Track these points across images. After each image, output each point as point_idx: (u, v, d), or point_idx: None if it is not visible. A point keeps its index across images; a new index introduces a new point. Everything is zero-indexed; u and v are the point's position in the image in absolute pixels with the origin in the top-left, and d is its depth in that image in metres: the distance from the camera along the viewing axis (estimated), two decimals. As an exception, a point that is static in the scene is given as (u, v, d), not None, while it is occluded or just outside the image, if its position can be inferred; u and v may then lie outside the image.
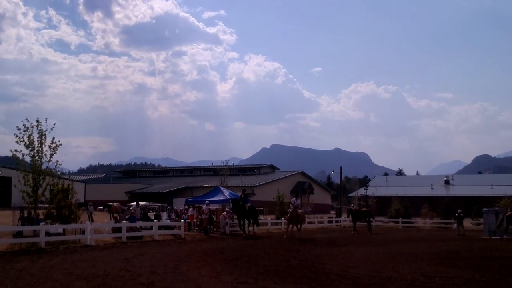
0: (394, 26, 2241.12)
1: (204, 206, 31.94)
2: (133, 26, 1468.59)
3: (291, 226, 29.42)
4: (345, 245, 24.53)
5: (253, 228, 31.86)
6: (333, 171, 71.10)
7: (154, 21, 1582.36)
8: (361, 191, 63.09)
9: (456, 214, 37.11)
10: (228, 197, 34.10)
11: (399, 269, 14.96)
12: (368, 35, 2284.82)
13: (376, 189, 69.71)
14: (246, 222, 31.25)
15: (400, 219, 47.52)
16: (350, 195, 73.53)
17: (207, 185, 66.72)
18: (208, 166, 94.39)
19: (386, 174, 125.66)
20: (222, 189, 36.34)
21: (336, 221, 48.98)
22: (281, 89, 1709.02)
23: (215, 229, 31.79)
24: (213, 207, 33.69)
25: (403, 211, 49.52)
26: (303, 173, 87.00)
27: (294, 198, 30.39)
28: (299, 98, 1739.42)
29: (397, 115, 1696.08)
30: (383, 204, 55.83)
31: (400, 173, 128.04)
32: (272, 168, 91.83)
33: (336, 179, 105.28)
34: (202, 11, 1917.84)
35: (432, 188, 75.62)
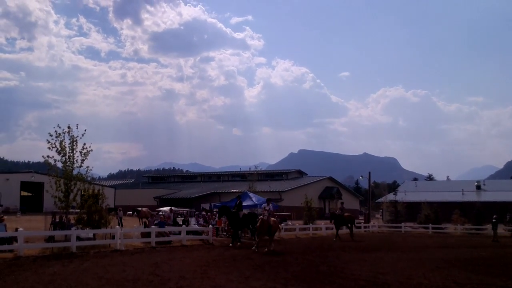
0: (423, 30, 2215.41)
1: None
2: (161, 32, 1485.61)
3: (260, 237, 23.82)
4: (374, 251, 24.30)
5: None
6: (362, 176, 70.55)
7: (182, 27, 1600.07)
8: (390, 197, 62.39)
9: (493, 220, 36.68)
10: (256, 202, 34.19)
11: (430, 276, 14.77)
12: (396, 38, 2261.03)
13: (406, 195, 68.62)
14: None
15: (430, 225, 46.87)
16: (379, 200, 72.76)
17: (235, 190, 66.79)
18: (236, 171, 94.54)
19: (415, 179, 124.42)
20: (250, 194, 36.39)
21: (365, 227, 48.56)
22: (308, 94, 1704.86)
23: (243, 235, 31.81)
24: (240, 212, 33.72)
25: (433, 217, 48.79)
26: (331, 178, 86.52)
27: (265, 203, 24.83)
28: (327, 103, 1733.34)
29: (426, 120, 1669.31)
30: (413, 210, 55.11)
31: (430, 178, 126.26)
32: (300, 173, 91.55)
33: (364, 184, 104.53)
34: (230, 17, 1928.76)
35: (463, 194, 74.31)
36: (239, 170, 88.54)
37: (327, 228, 41.04)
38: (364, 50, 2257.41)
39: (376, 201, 76.87)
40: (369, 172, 61.71)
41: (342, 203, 37.26)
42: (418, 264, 18.50)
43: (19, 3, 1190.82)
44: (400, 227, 48.55)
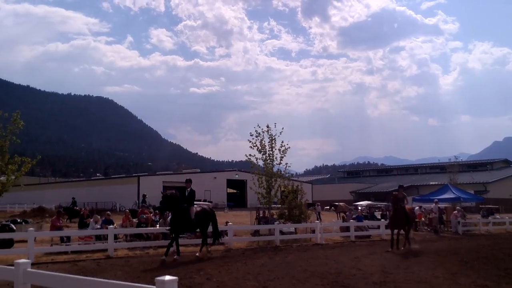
0: None
1: (432, 205, 30.84)
2: (349, 27, 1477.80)
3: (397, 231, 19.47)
4: None
5: (203, 247, 17.18)
6: None
7: (369, 19, 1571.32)
8: None
9: None
10: (459, 195, 32.44)
11: None
12: None
13: None
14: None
15: None
16: None
17: (434, 183, 64.17)
18: (434, 163, 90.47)
19: None
20: (451, 186, 34.65)
21: None
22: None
23: (445, 229, 30.44)
24: (442, 205, 32.34)
25: None
26: (544, 167, 78.30)
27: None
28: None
29: None
30: None
31: None
32: (507, 163, 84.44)
33: None
34: (420, 3, 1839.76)
35: None
36: (437, 161, 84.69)
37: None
38: None
39: None
40: None
41: (401, 186, 22.60)
42: None
43: (216, 13, 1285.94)
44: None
